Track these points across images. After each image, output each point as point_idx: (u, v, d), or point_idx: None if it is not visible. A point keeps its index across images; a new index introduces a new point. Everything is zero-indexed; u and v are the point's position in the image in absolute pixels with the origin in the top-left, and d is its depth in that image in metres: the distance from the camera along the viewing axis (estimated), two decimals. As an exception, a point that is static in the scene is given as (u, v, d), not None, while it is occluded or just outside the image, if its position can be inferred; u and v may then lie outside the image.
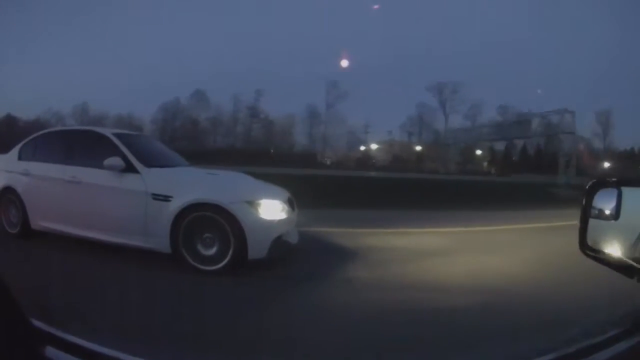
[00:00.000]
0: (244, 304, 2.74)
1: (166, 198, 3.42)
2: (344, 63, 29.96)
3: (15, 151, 4.56)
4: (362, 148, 36.44)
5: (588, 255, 1.18)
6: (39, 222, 4.11)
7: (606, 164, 32.10)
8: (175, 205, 3.37)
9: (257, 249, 3.31)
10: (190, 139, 32.31)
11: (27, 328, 0.77)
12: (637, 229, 1.10)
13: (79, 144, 4.17)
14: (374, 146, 36.48)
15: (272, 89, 33.94)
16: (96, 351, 0.85)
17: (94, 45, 35.34)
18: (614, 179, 1.20)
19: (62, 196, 3.95)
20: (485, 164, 37.69)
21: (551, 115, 26.83)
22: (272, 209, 3.50)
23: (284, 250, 3.59)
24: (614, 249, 1.13)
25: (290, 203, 3.85)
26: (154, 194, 3.47)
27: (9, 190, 4.33)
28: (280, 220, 3.53)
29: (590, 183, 1.23)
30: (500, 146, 37.13)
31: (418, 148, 37.01)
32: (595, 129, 36.86)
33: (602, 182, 1.22)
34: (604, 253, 1.15)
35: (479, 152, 37.31)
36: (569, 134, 26.42)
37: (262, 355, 1.95)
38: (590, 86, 36.25)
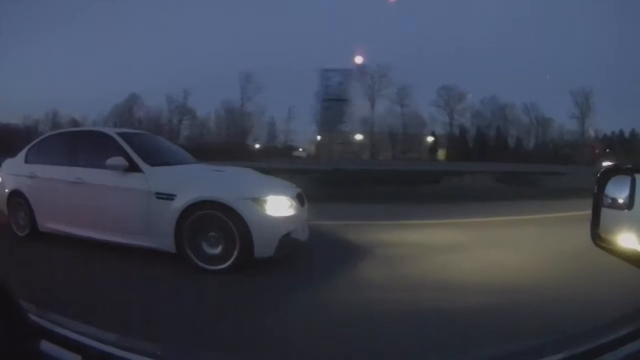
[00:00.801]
0: (243, 306, 2.72)
1: (170, 197, 3.44)
2: (359, 59, 29.84)
3: (22, 154, 4.67)
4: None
5: (599, 246, 1.14)
6: (46, 224, 4.20)
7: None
8: (178, 204, 3.38)
9: (263, 248, 3.29)
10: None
11: (24, 322, 0.79)
12: None
13: (83, 144, 4.24)
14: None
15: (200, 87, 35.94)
16: (90, 345, 0.86)
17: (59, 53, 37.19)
18: (628, 166, 1.15)
19: (68, 198, 4.03)
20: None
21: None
22: (280, 206, 3.47)
23: (292, 248, 3.56)
24: (628, 240, 1.09)
25: (300, 199, 3.82)
26: (157, 193, 3.49)
27: (16, 193, 4.44)
28: (288, 217, 3.50)
29: (602, 170, 1.18)
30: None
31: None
32: (572, 111, 36.91)
33: (614, 169, 1.17)
34: (616, 244, 1.11)
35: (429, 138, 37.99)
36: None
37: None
38: (566, 66, 36.33)
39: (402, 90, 36.31)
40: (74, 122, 31.28)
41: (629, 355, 0.87)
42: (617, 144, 38.79)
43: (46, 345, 0.80)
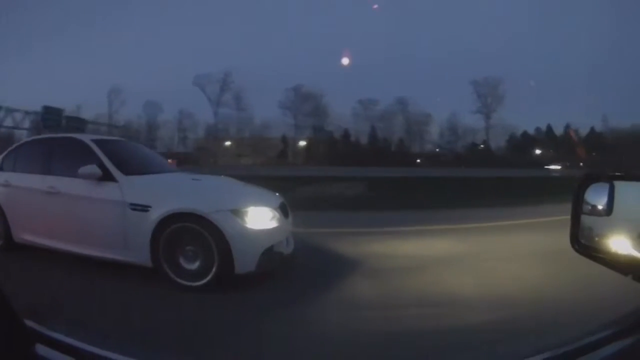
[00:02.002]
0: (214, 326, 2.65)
1: (144, 208, 3.36)
2: (345, 61, 30.54)
3: None
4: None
5: (579, 252, 1.16)
6: (21, 236, 4.10)
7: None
8: (154, 216, 3.29)
9: (244, 263, 3.20)
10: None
11: (19, 327, 0.84)
12: (632, 224, 1.08)
13: (58, 152, 4.16)
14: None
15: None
16: (83, 349, 0.91)
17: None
18: (607, 173, 1.18)
19: (42, 208, 3.94)
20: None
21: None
22: (261, 217, 3.39)
23: (276, 263, 3.47)
24: (608, 246, 1.11)
25: (283, 209, 3.76)
26: (132, 204, 3.40)
27: None
28: (270, 230, 3.42)
29: (581, 177, 1.20)
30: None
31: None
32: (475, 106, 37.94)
33: (593, 177, 1.20)
34: (597, 250, 1.13)
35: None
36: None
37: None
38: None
39: (239, 94, 38.27)
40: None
41: (613, 354, 0.92)
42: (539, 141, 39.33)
43: (41, 349, 0.86)
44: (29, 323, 0.90)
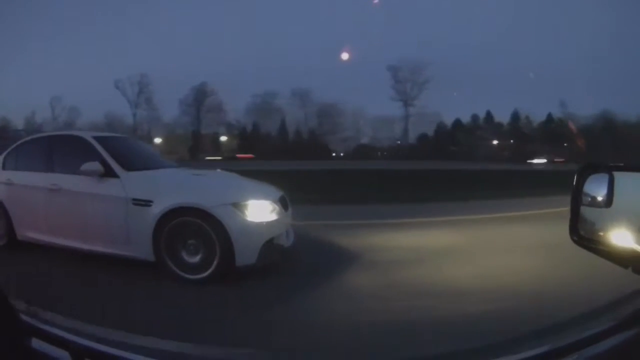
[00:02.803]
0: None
1: (147, 203, 3.39)
2: (345, 56, 30.20)
3: None
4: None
5: (579, 244, 1.15)
6: (24, 233, 4.14)
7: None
8: (156, 211, 3.33)
9: (245, 255, 3.25)
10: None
11: (15, 321, 0.86)
12: (632, 216, 1.07)
13: (60, 149, 4.19)
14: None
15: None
16: (78, 343, 0.91)
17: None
18: (607, 164, 1.16)
19: (45, 205, 3.98)
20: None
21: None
22: (261, 211, 3.43)
23: (276, 255, 3.52)
24: (608, 238, 1.10)
25: (283, 202, 3.79)
26: (134, 199, 3.44)
27: None
28: (270, 223, 3.46)
29: (579, 168, 1.19)
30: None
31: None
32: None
33: (592, 167, 1.18)
34: (596, 242, 1.12)
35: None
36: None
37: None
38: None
39: (150, 96, 39.34)
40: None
41: (611, 347, 0.91)
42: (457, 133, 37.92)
43: (37, 343, 0.88)
44: (25, 317, 0.92)
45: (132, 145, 4.71)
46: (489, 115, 39.16)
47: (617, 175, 1.10)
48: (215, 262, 3.21)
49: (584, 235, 1.14)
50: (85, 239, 3.68)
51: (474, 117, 39.64)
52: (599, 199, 1.14)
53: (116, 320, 2.35)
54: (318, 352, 2.14)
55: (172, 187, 3.64)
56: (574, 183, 1.18)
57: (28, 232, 4.11)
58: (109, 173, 3.62)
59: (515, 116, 39.11)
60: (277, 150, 36.50)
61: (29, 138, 4.99)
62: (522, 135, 38.17)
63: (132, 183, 3.56)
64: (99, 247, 3.60)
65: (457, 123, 39.38)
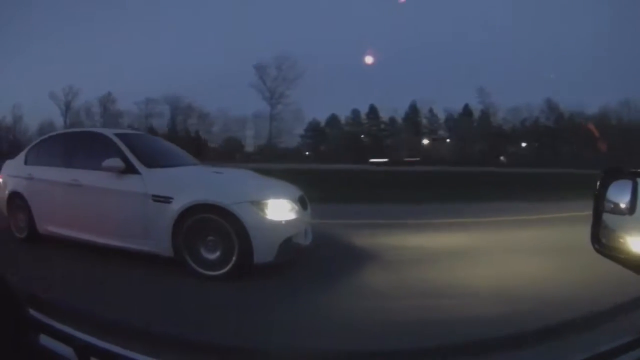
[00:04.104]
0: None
1: (167, 199, 3.48)
2: (369, 60, 29.74)
3: (22, 156, 4.81)
4: None
5: (600, 252, 1.13)
6: (45, 227, 4.30)
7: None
8: (175, 207, 3.41)
9: (263, 253, 3.31)
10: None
11: (24, 317, 0.87)
12: None
13: (81, 145, 4.34)
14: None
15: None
16: (86, 341, 0.92)
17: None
18: (630, 170, 1.13)
19: (65, 200, 4.12)
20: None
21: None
22: (280, 209, 3.49)
23: (294, 254, 3.58)
24: (630, 246, 1.08)
25: (302, 202, 3.84)
26: (154, 196, 3.53)
27: (16, 195, 4.57)
28: (289, 221, 3.51)
29: (602, 173, 1.17)
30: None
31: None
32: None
33: (615, 173, 1.16)
34: (618, 250, 1.10)
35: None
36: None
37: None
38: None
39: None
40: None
41: None
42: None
43: (45, 339, 0.87)
44: (34, 314, 0.93)
45: (153, 143, 4.82)
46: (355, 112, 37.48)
47: None
48: (233, 259, 3.28)
49: (606, 243, 1.12)
50: (105, 233, 3.81)
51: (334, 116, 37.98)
52: (622, 205, 1.12)
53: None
54: (318, 352, 2.17)
55: (192, 184, 3.72)
56: (596, 188, 1.16)
57: (49, 226, 4.27)
58: (129, 169, 3.73)
59: (373, 112, 37.00)
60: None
61: (51, 134, 5.19)
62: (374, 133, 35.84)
63: (153, 180, 3.66)
64: (118, 242, 3.71)
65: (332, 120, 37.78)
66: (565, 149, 33.60)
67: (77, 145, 4.38)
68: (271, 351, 2.12)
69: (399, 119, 37.16)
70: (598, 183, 1.16)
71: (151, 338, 2.08)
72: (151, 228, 3.52)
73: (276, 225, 3.42)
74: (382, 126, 36.19)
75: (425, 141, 36.48)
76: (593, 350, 1.00)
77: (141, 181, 3.66)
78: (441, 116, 37.36)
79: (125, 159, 3.77)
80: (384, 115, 37.08)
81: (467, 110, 37.13)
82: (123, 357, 0.91)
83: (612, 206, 1.14)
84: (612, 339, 1.01)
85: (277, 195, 3.61)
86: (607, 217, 1.14)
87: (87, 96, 38.26)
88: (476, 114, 37.05)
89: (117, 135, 4.11)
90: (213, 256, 3.36)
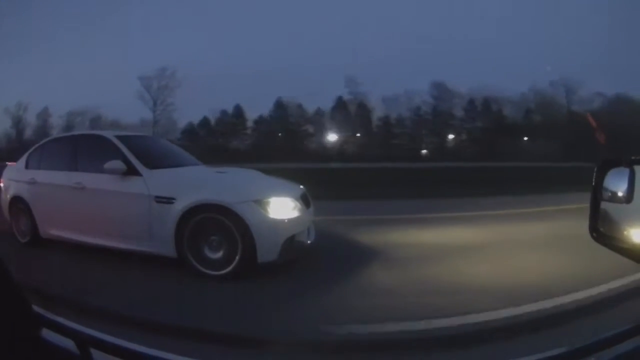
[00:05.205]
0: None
1: (169, 200, 3.51)
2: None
3: (23, 160, 4.85)
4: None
5: (598, 241, 1.15)
6: (47, 231, 4.35)
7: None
8: (178, 208, 3.45)
9: (267, 252, 3.33)
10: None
11: (27, 312, 0.89)
12: None
13: (82, 149, 4.37)
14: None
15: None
16: (89, 334, 0.95)
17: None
18: (628, 158, 1.15)
19: (68, 203, 4.16)
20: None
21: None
22: (283, 208, 3.51)
23: (297, 252, 3.60)
24: (628, 234, 1.09)
25: (305, 200, 3.86)
26: (156, 197, 3.57)
27: (18, 199, 4.62)
28: (292, 220, 3.54)
29: (600, 162, 1.18)
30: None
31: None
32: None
33: (613, 161, 1.17)
34: (616, 239, 1.12)
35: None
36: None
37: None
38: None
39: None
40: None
41: (630, 351, 0.89)
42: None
43: (47, 334, 0.90)
44: (37, 308, 0.95)
45: (156, 144, 4.86)
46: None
47: (639, 169, 1.10)
48: (237, 259, 3.31)
49: (604, 232, 1.14)
50: (108, 236, 3.85)
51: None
52: (620, 194, 1.13)
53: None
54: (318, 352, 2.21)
55: (194, 185, 3.74)
56: (594, 177, 1.18)
57: (51, 230, 4.32)
58: (131, 171, 3.77)
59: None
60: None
61: (51, 138, 5.23)
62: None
63: (155, 181, 3.69)
64: (121, 244, 3.76)
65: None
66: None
67: (78, 148, 4.41)
68: (273, 340, 2.19)
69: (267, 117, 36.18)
70: (595, 172, 1.18)
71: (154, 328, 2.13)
72: (154, 229, 3.56)
73: (279, 223, 3.45)
74: (248, 124, 35.83)
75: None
76: (592, 339, 1.01)
77: (143, 182, 3.69)
78: (311, 111, 35.88)
79: (126, 161, 3.81)
80: (253, 115, 36.43)
81: (340, 103, 34.94)
82: (124, 349, 0.93)
83: (610, 195, 1.16)
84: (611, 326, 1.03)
85: (279, 193, 3.64)
86: (605, 206, 1.16)
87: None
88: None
89: (118, 137, 4.14)
90: (216, 256, 3.40)
